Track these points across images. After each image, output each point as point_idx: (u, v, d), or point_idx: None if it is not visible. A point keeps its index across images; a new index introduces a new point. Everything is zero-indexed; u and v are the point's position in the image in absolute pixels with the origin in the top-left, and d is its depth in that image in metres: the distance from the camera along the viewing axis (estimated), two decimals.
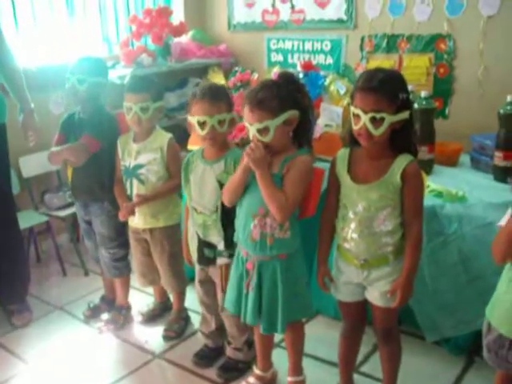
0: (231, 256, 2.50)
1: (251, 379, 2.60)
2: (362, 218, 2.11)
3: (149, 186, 2.89)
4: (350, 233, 2.16)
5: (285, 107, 2.13)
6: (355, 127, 2.04)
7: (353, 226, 2.14)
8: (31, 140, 3.27)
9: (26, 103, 3.21)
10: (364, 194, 2.09)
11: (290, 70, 4.07)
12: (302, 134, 2.25)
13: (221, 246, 2.53)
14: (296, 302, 2.32)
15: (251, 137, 2.18)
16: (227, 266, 2.54)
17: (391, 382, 2.38)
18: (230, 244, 2.49)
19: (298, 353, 2.53)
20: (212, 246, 2.55)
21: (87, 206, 3.14)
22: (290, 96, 2.16)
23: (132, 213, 2.91)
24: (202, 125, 2.40)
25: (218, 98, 2.41)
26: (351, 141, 2.16)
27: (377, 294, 2.19)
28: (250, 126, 2.15)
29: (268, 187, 2.14)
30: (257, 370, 2.61)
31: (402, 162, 2.06)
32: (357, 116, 2.02)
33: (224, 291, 2.57)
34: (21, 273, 3.37)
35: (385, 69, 2.21)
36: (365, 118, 1.98)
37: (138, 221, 2.97)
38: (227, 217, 2.47)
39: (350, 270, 2.22)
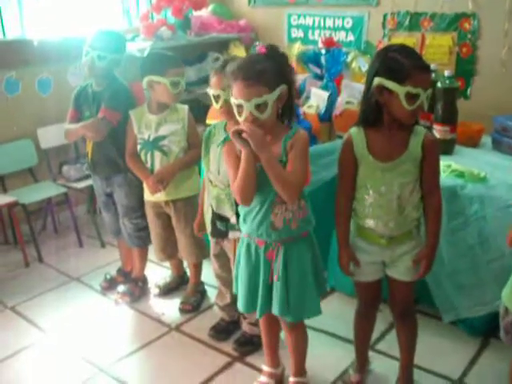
0: None
1: (263, 378, 2.52)
2: (387, 196, 2.08)
3: (172, 156, 2.90)
4: (374, 212, 2.12)
5: (279, 81, 1.99)
6: (412, 107, 1.95)
7: (378, 204, 2.11)
8: None
9: None
10: (390, 172, 2.06)
11: (311, 46, 4.06)
12: (288, 109, 2.10)
13: (233, 219, 2.50)
14: (322, 278, 2.28)
15: (244, 117, 1.98)
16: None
17: (409, 359, 2.38)
18: None
19: (301, 354, 2.43)
20: (224, 219, 2.54)
21: (109, 178, 3.13)
22: (281, 69, 2.03)
23: (161, 188, 2.90)
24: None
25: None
26: (365, 120, 2.10)
27: (402, 269, 2.18)
28: (247, 102, 1.94)
29: (275, 168, 1.98)
30: (266, 368, 2.53)
31: (419, 133, 2.06)
32: (415, 96, 1.94)
33: None
34: None
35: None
36: (424, 97, 1.96)
37: (159, 194, 2.95)
38: None
39: (372, 250, 2.19)
